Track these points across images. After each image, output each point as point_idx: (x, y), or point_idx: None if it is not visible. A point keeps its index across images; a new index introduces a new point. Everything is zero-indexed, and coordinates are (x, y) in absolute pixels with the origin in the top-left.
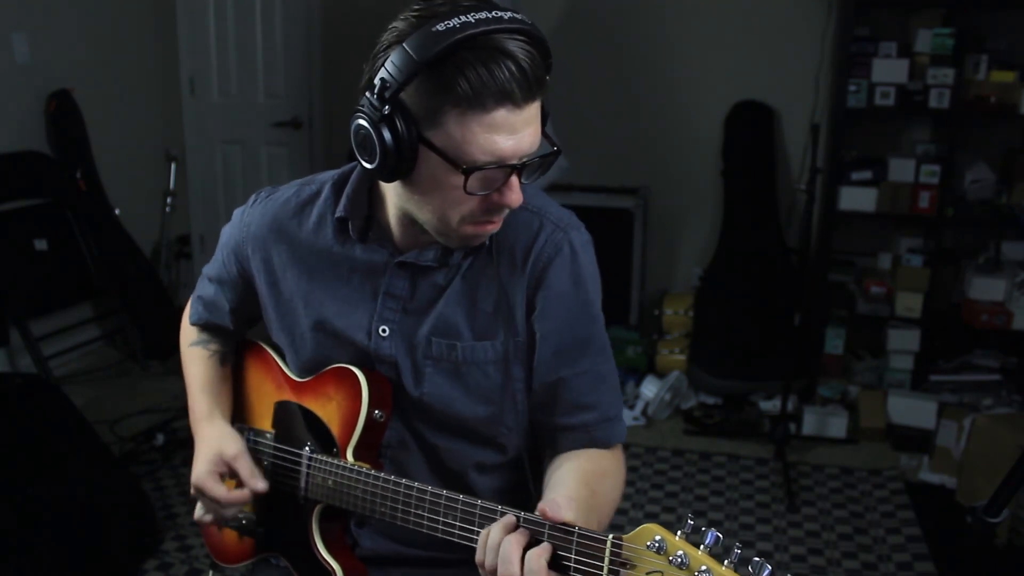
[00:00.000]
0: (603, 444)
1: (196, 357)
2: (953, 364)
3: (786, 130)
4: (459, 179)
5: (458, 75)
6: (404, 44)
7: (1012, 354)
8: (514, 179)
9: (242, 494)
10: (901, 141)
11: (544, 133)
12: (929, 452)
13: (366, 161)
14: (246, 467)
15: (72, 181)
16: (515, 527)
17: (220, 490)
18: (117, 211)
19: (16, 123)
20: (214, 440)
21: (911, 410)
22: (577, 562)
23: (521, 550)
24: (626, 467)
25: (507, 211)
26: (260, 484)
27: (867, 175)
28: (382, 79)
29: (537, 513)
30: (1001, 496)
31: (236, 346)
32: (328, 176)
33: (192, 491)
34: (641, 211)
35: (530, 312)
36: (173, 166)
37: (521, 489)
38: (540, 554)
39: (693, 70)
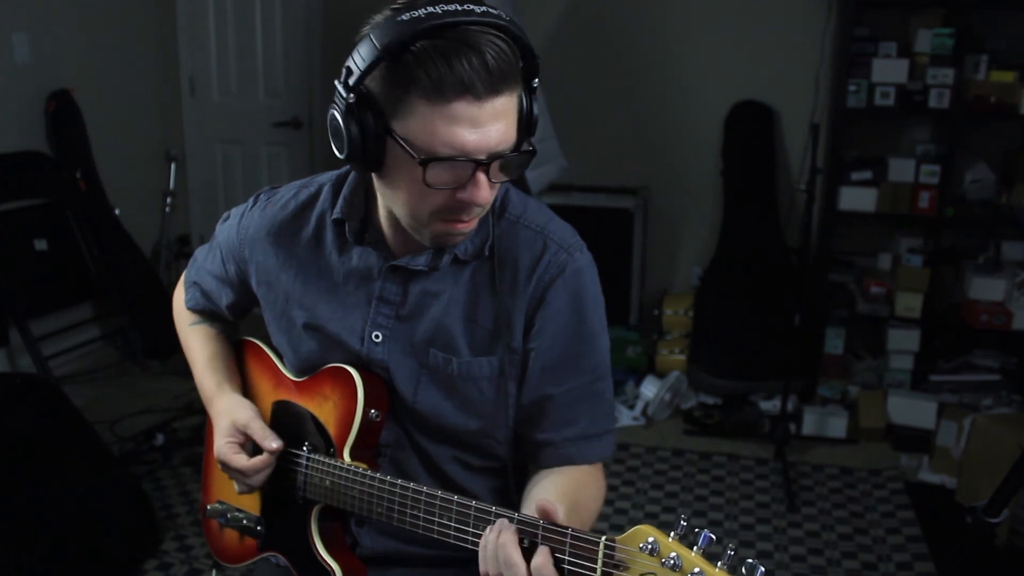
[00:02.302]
0: (581, 461)
1: (199, 335)
2: (953, 364)
3: (786, 130)
4: (420, 171)
5: (418, 65)
6: (370, 33)
7: (1012, 354)
8: (481, 176)
9: (262, 459)
10: (901, 141)
11: (522, 134)
12: (929, 452)
13: (338, 151)
14: (258, 429)
15: (72, 181)
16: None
17: (241, 460)
18: (117, 211)
19: (16, 123)
20: (226, 412)
21: (911, 410)
22: (571, 563)
23: (519, 548)
24: (625, 468)
25: (478, 210)
26: (274, 443)
27: (867, 175)
28: (348, 68)
29: (537, 510)
30: (1001, 496)
31: (234, 346)
32: (327, 178)
33: (219, 465)
34: (641, 211)
35: (528, 330)
36: (173, 166)
37: (508, 502)
38: (545, 559)
39: (693, 70)
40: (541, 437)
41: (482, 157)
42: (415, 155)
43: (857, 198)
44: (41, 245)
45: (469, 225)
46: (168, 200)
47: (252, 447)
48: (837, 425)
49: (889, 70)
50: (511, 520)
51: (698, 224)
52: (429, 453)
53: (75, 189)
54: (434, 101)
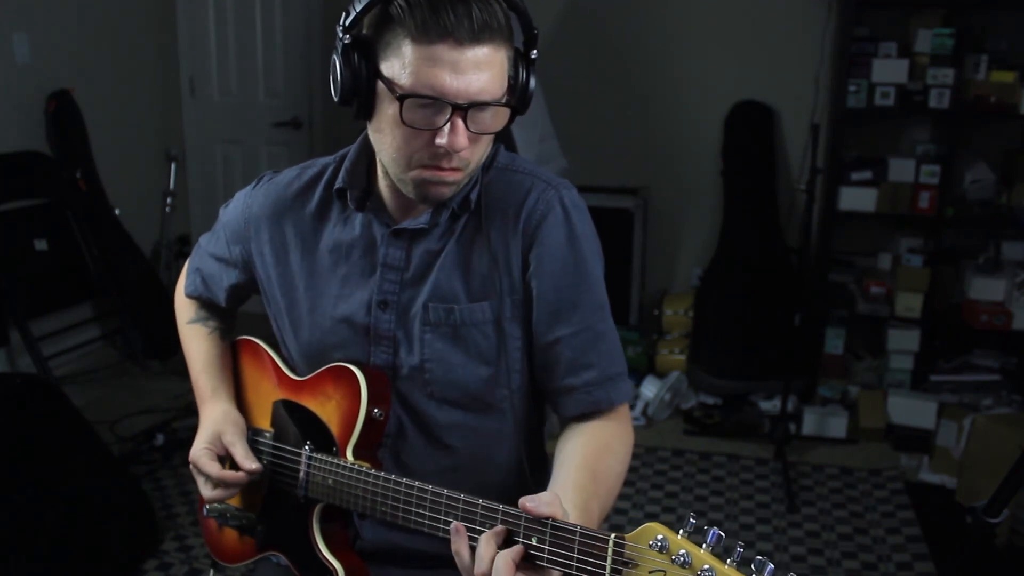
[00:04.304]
0: (606, 404)
1: (196, 335)
2: (953, 364)
3: (786, 130)
4: (398, 107)
5: (407, 9)
6: None
7: (1012, 354)
8: (458, 122)
9: (235, 475)
10: (901, 141)
11: (512, 98)
12: (929, 452)
13: (333, 93)
14: (241, 449)
15: (72, 181)
16: (504, 536)
17: (213, 467)
18: (117, 211)
19: (16, 123)
20: (215, 420)
21: (911, 410)
22: (580, 561)
23: (468, 547)
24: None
25: (459, 160)
26: (252, 465)
27: (867, 175)
28: (346, 11)
29: (520, 507)
30: (1001, 496)
31: (233, 345)
32: (329, 158)
33: (191, 467)
34: (641, 211)
35: (525, 270)
36: (173, 166)
37: (517, 468)
38: (508, 554)
39: (693, 70)
40: (562, 384)
41: (461, 102)
42: (394, 92)
43: (857, 198)
44: (41, 245)
45: (452, 175)
46: (168, 200)
47: (230, 463)
48: (837, 425)
49: (889, 70)
50: (518, 519)
51: (698, 224)
52: (434, 427)
53: (75, 189)
54: (419, 42)
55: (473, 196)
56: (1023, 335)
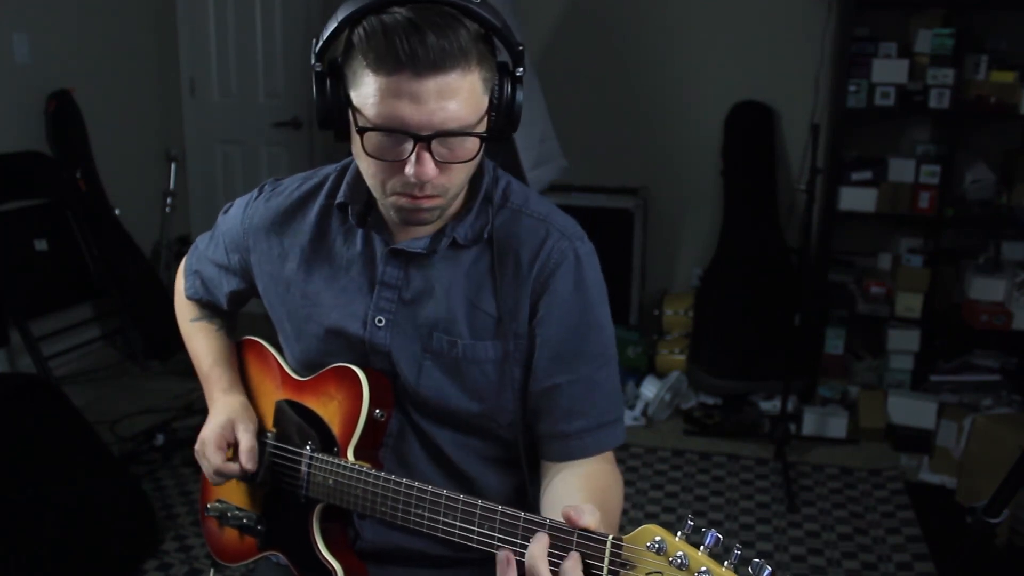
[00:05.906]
0: (594, 450)
1: (202, 331)
2: (953, 364)
3: (786, 130)
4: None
5: (366, 38)
6: (341, 3)
7: (1012, 354)
8: (424, 153)
9: (233, 467)
10: (901, 141)
11: (497, 119)
12: (929, 452)
13: (316, 118)
14: (247, 443)
15: (72, 181)
16: (547, 544)
17: (217, 458)
18: (117, 211)
19: (16, 123)
20: (233, 409)
21: (911, 410)
22: None
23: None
24: (625, 468)
25: (432, 188)
26: (250, 464)
27: (867, 175)
28: (317, 36)
29: (562, 518)
30: (1001, 496)
31: (238, 345)
32: (332, 168)
33: (197, 446)
34: (641, 211)
35: (532, 317)
36: (173, 166)
37: (519, 479)
38: (574, 564)
39: (693, 70)
40: (554, 429)
41: (424, 133)
42: (357, 123)
43: (857, 198)
44: (41, 245)
45: (428, 202)
46: (168, 200)
47: (233, 451)
48: (837, 425)
49: (889, 70)
50: (516, 519)
51: (698, 224)
52: (431, 437)
53: (75, 189)
54: (378, 73)
55: (485, 234)
56: (1023, 335)
